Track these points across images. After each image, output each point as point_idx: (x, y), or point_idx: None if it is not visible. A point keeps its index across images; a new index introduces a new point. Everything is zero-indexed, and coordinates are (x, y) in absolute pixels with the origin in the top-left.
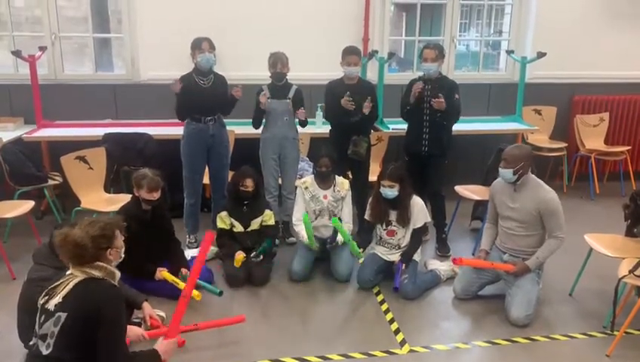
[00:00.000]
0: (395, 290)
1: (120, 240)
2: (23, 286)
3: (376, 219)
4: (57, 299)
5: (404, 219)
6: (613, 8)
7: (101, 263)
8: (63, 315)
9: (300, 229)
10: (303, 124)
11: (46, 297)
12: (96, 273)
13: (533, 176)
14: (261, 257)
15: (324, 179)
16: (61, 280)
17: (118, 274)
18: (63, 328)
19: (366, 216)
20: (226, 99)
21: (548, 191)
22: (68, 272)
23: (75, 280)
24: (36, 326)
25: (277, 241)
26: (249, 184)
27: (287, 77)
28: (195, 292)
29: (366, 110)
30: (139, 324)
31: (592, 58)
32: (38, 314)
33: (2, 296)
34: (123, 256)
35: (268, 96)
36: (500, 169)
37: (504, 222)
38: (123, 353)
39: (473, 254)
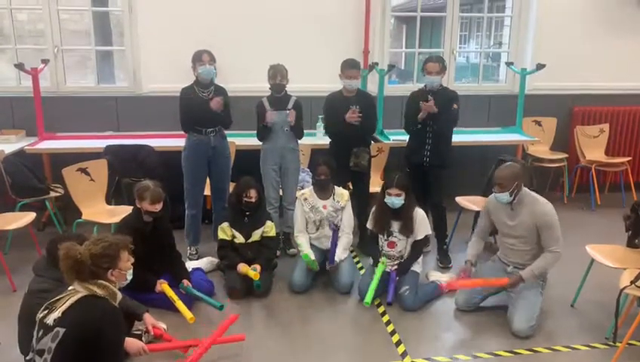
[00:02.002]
0: (389, 304)
1: (125, 262)
2: (24, 298)
3: (379, 229)
4: (57, 314)
5: (407, 230)
6: (612, 19)
7: (104, 282)
8: (62, 331)
9: (302, 241)
10: (298, 133)
11: (45, 311)
12: (99, 291)
13: (526, 190)
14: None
15: (322, 188)
16: (62, 295)
17: (119, 295)
18: (61, 344)
19: (368, 225)
20: (227, 110)
21: (544, 205)
22: (70, 287)
23: (77, 296)
24: (33, 341)
25: (278, 252)
26: (253, 195)
27: (286, 88)
28: (188, 315)
29: (354, 117)
30: (139, 336)
31: (591, 69)
32: (36, 329)
33: (3, 308)
34: (129, 278)
35: (272, 117)
36: (495, 194)
37: (505, 238)
38: None
39: (476, 266)
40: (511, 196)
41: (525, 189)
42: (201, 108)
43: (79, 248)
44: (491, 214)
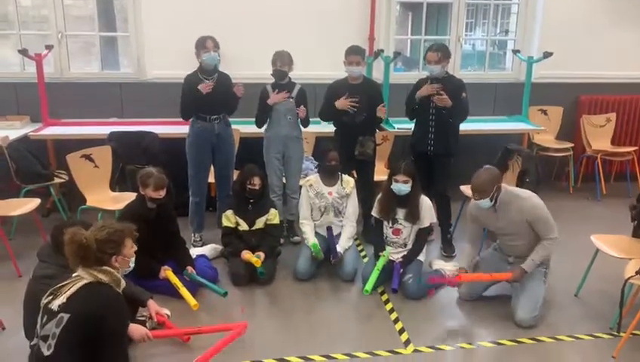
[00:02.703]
0: (394, 291)
1: (129, 249)
2: (29, 284)
3: (384, 216)
4: (62, 300)
5: (413, 217)
6: (619, 8)
7: (108, 268)
8: (66, 316)
9: (307, 230)
10: (304, 122)
11: (50, 297)
12: (103, 277)
13: (505, 189)
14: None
15: (331, 174)
16: (66, 281)
17: (123, 283)
18: (65, 330)
19: (373, 212)
20: (230, 97)
21: (527, 199)
22: (74, 274)
23: (81, 283)
24: (37, 327)
25: (281, 240)
26: (257, 182)
27: (290, 76)
28: (192, 302)
29: (381, 114)
30: (143, 322)
31: (598, 58)
32: (40, 314)
33: (9, 293)
34: (132, 266)
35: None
36: (475, 201)
37: (500, 236)
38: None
39: (479, 255)
40: (492, 201)
41: (504, 188)
42: (205, 95)
43: (85, 233)
44: (479, 219)
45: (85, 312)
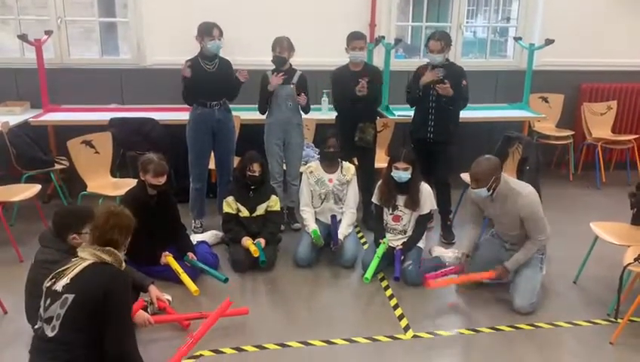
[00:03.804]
0: (396, 280)
1: (127, 241)
2: (30, 269)
3: (384, 203)
4: (65, 281)
5: (413, 203)
6: None
7: (112, 249)
8: (71, 297)
9: (307, 217)
10: (305, 109)
11: (52, 280)
12: (107, 257)
13: (504, 180)
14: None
15: (331, 161)
16: (68, 264)
17: (124, 264)
18: (70, 309)
19: (373, 199)
20: (231, 83)
21: (525, 196)
22: (73, 259)
23: (85, 263)
24: (41, 310)
25: (282, 227)
26: (256, 168)
27: (290, 62)
28: (193, 288)
29: (362, 90)
30: (145, 308)
31: (600, 45)
32: (43, 298)
33: (10, 279)
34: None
35: (277, 82)
36: (472, 190)
37: (496, 225)
38: (130, 338)
39: (480, 240)
40: (489, 191)
41: (504, 179)
42: (206, 80)
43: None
44: (479, 204)
45: (91, 290)
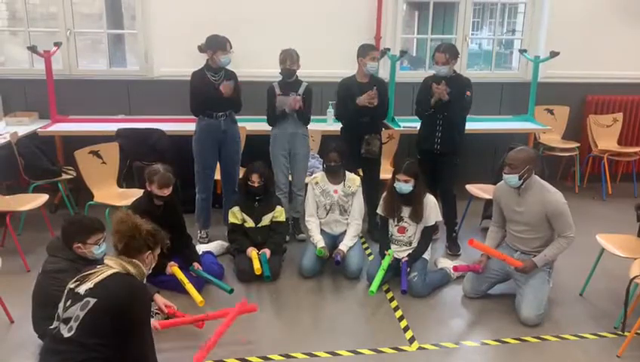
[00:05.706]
0: (403, 293)
1: (157, 253)
2: (38, 278)
3: (389, 214)
4: (89, 285)
5: (417, 216)
6: (627, 7)
7: (137, 261)
8: (93, 301)
9: (312, 228)
10: (304, 119)
11: (77, 282)
12: (131, 269)
13: (536, 177)
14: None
15: (333, 174)
16: (94, 270)
17: (144, 279)
18: (90, 313)
19: (378, 210)
20: (237, 94)
21: (553, 193)
22: (98, 266)
23: (110, 271)
24: (60, 310)
25: (287, 238)
26: (255, 179)
27: (297, 74)
28: (198, 298)
29: (374, 101)
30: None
31: (605, 57)
32: (64, 298)
33: (17, 288)
34: (148, 272)
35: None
36: (504, 175)
37: (512, 226)
38: (152, 350)
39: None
40: (520, 180)
41: (535, 177)
42: (212, 92)
43: (138, 219)
44: (500, 201)
45: (112, 299)
